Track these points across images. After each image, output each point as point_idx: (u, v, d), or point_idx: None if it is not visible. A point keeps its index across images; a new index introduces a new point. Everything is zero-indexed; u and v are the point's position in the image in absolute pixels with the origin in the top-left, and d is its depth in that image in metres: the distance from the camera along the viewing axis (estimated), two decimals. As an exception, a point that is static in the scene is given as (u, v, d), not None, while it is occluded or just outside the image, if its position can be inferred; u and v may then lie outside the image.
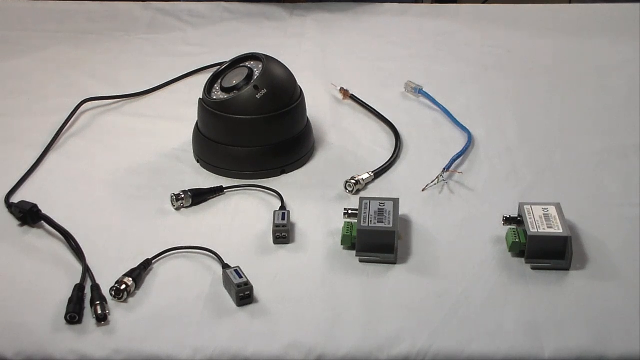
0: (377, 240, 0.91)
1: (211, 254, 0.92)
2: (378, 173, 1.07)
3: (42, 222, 0.98)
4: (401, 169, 1.10)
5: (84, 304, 0.85)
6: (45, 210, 0.98)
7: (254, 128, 1.05)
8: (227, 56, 1.13)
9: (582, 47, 1.43)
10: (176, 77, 1.33)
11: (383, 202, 0.95)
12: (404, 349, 0.81)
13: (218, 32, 1.51)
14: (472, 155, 1.12)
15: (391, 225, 0.92)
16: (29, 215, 0.97)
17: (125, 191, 1.05)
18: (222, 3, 1.59)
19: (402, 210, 0.97)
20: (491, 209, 1.00)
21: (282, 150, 1.08)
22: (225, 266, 0.89)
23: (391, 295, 0.88)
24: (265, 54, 1.09)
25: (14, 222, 0.99)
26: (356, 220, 0.93)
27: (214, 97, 1.07)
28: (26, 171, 1.08)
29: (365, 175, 1.05)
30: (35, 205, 0.98)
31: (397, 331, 0.83)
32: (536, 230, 0.91)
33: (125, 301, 0.87)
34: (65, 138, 1.17)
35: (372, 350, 0.81)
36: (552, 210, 0.93)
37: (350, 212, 0.95)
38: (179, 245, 0.94)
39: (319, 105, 1.22)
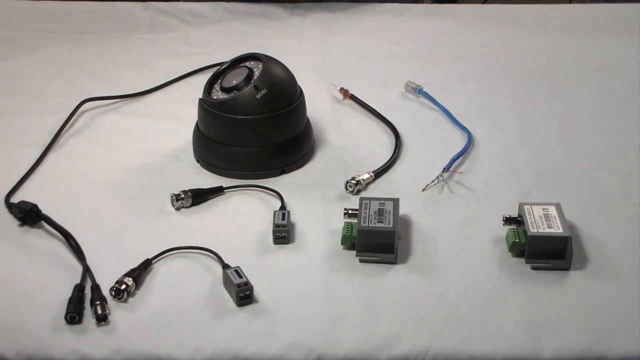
0: (377, 240, 0.91)
1: (211, 254, 0.92)
2: (378, 173, 1.07)
3: (42, 222, 0.98)
4: (401, 169, 1.10)
5: (84, 304, 0.85)
6: (45, 210, 0.98)
7: (254, 128, 1.05)
8: (227, 56, 1.13)
9: (582, 47, 1.43)
10: (176, 77, 1.33)
11: (383, 202, 0.95)
12: (404, 349, 0.81)
13: (218, 32, 1.51)
14: (472, 155, 1.12)
15: (391, 225, 0.92)
16: (29, 215, 0.97)
17: (125, 191, 1.05)
18: (222, 3, 1.59)
19: (402, 210, 0.97)
20: (491, 209, 1.00)
21: (282, 150, 1.08)
22: (225, 266, 0.89)
23: (391, 295, 0.88)
24: (265, 54, 1.09)
25: (14, 222, 0.99)
26: (356, 220, 0.93)
27: (214, 97, 1.07)
28: (26, 171, 1.08)
29: (366, 176, 1.05)
30: (35, 205, 0.98)
31: (397, 331, 0.83)
32: (536, 230, 0.91)
33: (125, 301, 0.87)
34: (65, 138, 1.17)
35: (372, 350, 0.81)
36: (552, 210, 0.93)
37: (350, 212, 0.95)
38: (179, 245, 0.94)
39: (319, 105, 1.22)
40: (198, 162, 1.10)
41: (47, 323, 0.84)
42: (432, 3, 1.98)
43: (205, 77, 1.13)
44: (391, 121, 1.19)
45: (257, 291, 0.87)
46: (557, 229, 0.91)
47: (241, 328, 0.84)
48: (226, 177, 1.07)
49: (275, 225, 0.95)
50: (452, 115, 1.20)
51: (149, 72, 1.35)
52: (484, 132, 1.17)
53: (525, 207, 0.94)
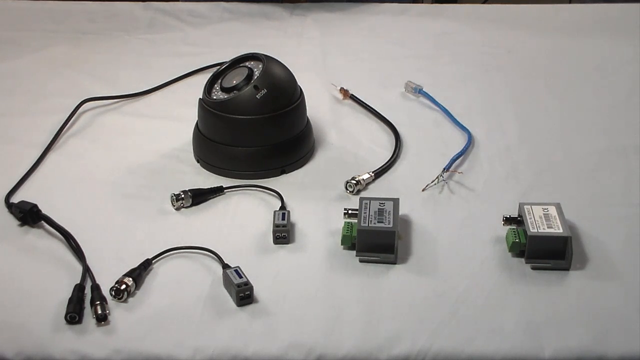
0: (377, 240, 0.91)
1: (211, 254, 0.92)
2: (378, 173, 1.07)
3: (42, 222, 0.98)
4: (401, 169, 1.10)
5: (84, 304, 0.85)
6: (45, 210, 0.98)
7: (254, 128, 1.05)
8: (227, 56, 1.13)
9: (582, 47, 1.43)
10: (176, 77, 1.33)
11: (383, 202, 0.95)
12: (404, 349, 0.81)
13: (218, 32, 1.51)
14: (472, 155, 1.12)
15: (391, 225, 0.92)
16: (29, 215, 0.97)
17: (125, 191, 1.05)
18: (222, 3, 1.59)
19: (402, 210, 0.97)
20: (491, 209, 1.00)
21: (282, 150, 1.08)
22: (225, 266, 0.89)
23: (391, 295, 0.88)
24: (265, 54, 1.09)
25: (14, 222, 0.99)
26: (356, 220, 0.93)
27: (214, 97, 1.07)
28: (26, 171, 1.08)
29: (366, 176, 1.05)
30: (35, 205, 0.98)
31: (397, 331, 0.83)
32: (536, 230, 0.91)
33: (125, 301, 0.87)
34: (65, 138, 1.17)
35: (372, 350, 0.81)
36: (552, 210, 0.93)
37: (350, 212, 0.95)
38: (179, 245, 0.94)
39: (319, 105, 1.22)
40: (198, 162, 1.10)
41: (47, 323, 0.84)
42: (432, 3, 1.98)
43: (205, 77, 1.13)
44: (391, 121, 1.19)
45: (257, 291, 0.87)
46: (557, 229, 0.91)
47: (241, 328, 0.84)
48: (226, 177, 1.07)
49: (275, 225, 0.95)
50: (452, 115, 1.20)
51: (149, 72, 1.35)
52: (484, 132, 1.17)
53: (525, 207, 0.94)
